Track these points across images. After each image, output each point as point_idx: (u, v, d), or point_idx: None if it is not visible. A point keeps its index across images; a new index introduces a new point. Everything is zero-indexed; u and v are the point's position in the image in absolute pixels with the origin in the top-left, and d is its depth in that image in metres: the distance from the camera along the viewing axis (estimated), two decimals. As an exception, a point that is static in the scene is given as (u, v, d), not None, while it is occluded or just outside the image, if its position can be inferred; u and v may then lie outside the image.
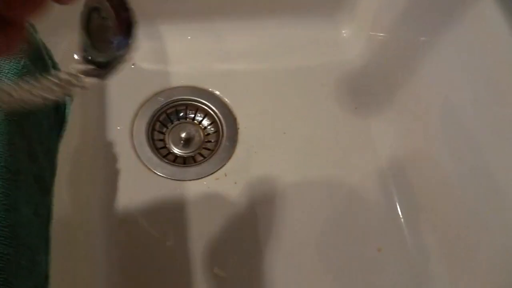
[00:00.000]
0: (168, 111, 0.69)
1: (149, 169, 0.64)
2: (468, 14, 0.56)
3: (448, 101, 0.60)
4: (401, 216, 0.64)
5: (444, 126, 0.61)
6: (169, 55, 0.71)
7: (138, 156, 0.65)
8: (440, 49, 0.62)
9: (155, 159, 0.65)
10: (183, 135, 0.67)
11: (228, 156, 0.66)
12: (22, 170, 0.37)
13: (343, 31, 0.75)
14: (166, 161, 0.65)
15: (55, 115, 0.50)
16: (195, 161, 0.67)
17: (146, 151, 0.65)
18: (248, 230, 0.62)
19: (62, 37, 0.60)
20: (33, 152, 0.41)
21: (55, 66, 0.49)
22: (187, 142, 0.68)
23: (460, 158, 0.59)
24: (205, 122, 0.69)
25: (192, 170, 0.65)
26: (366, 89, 0.72)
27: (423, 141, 0.65)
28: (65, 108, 0.52)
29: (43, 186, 0.42)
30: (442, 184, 0.62)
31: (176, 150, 0.67)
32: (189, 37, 0.72)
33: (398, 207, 0.65)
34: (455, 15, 0.58)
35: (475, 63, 0.57)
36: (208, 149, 0.68)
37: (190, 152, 0.67)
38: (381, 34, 0.71)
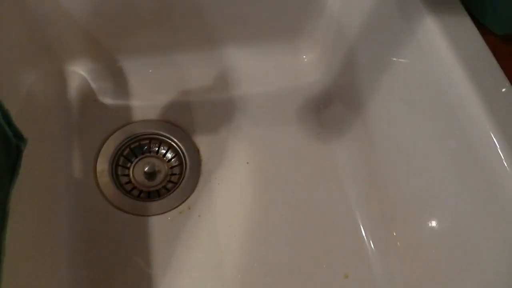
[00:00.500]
0: (132, 146, 0.69)
1: (113, 205, 0.64)
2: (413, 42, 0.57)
3: (403, 124, 0.61)
4: (367, 242, 0.64)
5: (402, 150, 0.61)
6: (131, 89, 0.72)
7: (102, 192, 0.65)
8: (395, 73, 0.62)
9: (119, 194, 0.65)
10: (146, 169, 0.67)
11: (192, 189, 0.66)
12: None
13: (304, 56, 0.76)
14: (130, 196, 0.66)
15: (6, 161, 0.50)
16: (159, 195, 0.67)
17: (110, 187, 0.65)
18: (213, 263, 0.62)
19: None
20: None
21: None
22: (151, 176, 0.68)
23: (420, 183, 0.59)
24: (169, 155, 0.70)
25: (156, 205, 0.65)
26: (328, 113, 0.72)
27: (385, 165, 0.66)
28: (18, 154, 0.52)
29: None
30: (407, 208, 0.62)
31: (140, 185, 0.67)
32: (150, 71, 0.73)
33: (363, 233, 0.65)
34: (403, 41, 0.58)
35: (423, 89, 0.57)
36: (173, 182, 0.68)
37: (155, 186, 0.67)
38: (340, 58, 0.71)
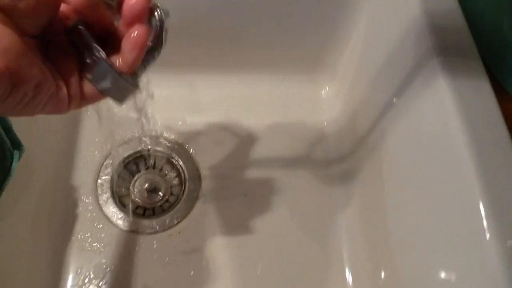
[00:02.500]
0: (136, 161, 0.70)
1: (107, 217, 0.65)
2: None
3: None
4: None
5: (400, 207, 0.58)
6: (139, 104, 0.72)
7: (98, 203, 0.66)
8: (408, 125, 0.59)
9: (114, 208, 0.66)
10: (146, 186, 0.68)
11: (186, 213, 0.66)
12: None
13: (322, 91, 0.74)
14: (125, 210, 0.66)
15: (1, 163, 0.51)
16: (154, 214, 0.67)
17: (107, 199, 0.66)
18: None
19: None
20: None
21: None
22: (150, 193, 0.68)
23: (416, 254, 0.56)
24: (171, 175, 0.70)
25: (148, 223, 0.65)
26: (337, 155, 0.70)
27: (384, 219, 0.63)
28: (12, 161, 0.54)
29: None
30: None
31: (138, 200, 0.68)
32: (164, 88, 0.73)
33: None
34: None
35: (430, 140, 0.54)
36: (170, 202, 0.68)
37: (152, 204, 0.68)
38: (357, 98, 0.69)
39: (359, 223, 0.65)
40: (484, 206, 0.44)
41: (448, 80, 0.50)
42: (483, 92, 0.50)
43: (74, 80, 0.33)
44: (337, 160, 0.69)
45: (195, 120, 0.72)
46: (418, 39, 0.54)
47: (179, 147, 0.70)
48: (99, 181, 0.67)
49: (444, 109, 0.50)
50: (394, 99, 0.59)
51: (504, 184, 0.45)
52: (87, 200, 0.66)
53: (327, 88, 0.74)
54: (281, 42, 0.69)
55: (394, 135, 0.59)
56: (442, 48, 0.52)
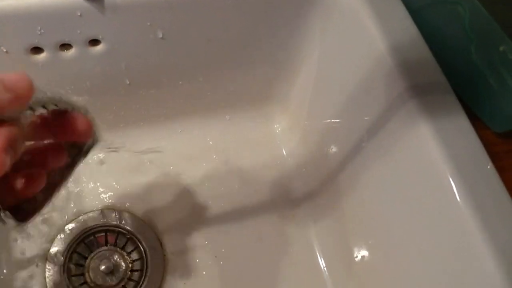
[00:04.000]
0: (86, 240, 0.61)
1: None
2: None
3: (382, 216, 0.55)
4: None
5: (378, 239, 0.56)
6: (78, 174, 0.63)
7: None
8: (377, 159, 0.56)
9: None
10: (103, 267, 0.60)
11: (155, 290, 0.59)
12: None
13: (276, 125, 0.69)
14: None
15: None
16: (118, 299, 0.59)
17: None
18: None
19: None
20: None
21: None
22: (109, 274, 0.60)
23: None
24: (128, 249, 0.62)
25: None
26: (301, 191, 0.65)
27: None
28: None
29: None
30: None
31: (98, 284, 0.60)
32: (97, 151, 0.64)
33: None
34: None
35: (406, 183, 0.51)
36: (134, 281, 0.60)
37: (114, 286, 0.60)
38: (316, 127, 0.65)
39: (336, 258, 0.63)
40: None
41: (427, 120, 0.48)
42: (463, 130, 0.48)
43: None
44: (303, 197, 0.65)
45: (139, 180, 0.63)
46: (388, 77, 0.51)
47: (129, 216, 0.62)
48: (47, 269, 0.58)
49: (427, 150, 0.48)
50: (365, 136, 0.56)
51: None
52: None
53: (282, 123, 0.69)
54: (228, 79, 0.63)
55: (368, 174, 0.56)
56: (415, 87, 0.49)
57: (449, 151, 0.46)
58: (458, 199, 0.45)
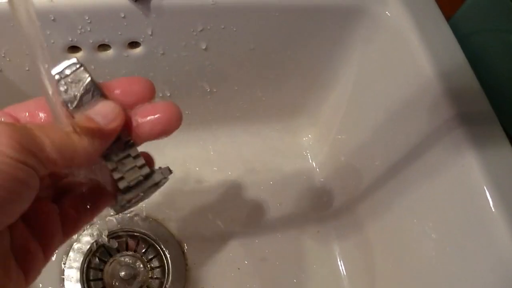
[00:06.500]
0: (106, 244, 0.60)
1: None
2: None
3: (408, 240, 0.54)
4: None
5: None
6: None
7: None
8: (410, 182, 0.55)
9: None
10: (122, 273, 0.58)
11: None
12: None
13: (304, 138, 0.68)
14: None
15: None
16: (136, 306, 0.58)
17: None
18: None
19: None
20: None
21: None
22: (128, 280, 0.59)
23: None
24: (149, 256, 0.60)
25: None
26: (327, 207, 0.65)
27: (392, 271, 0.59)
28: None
29: None
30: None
31: (114, 289, 0.58)
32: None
33: None
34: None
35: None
36: None
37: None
38: (346, 143, 0.64)
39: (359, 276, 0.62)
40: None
41: (473, 150, 0.47)
42: (509, 162, 0.48)
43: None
44: (329, 214, 0.64)
45: (165, 188, 0.62)
46: (433, 103, 0.50)
47: (152, 223, 0.61)
48: (66, 273, 0.57)
49: (472, 179, 0.47)
50: (402, 159, 0.55)
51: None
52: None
53: (309, 135, 0.68)
54: (261, 88, 0.62)
55: (402, 197, 0.55)
56: (462, 115, 0.48)
57: (495, 182, 0.46)
58: (502, 234, 0.44)
